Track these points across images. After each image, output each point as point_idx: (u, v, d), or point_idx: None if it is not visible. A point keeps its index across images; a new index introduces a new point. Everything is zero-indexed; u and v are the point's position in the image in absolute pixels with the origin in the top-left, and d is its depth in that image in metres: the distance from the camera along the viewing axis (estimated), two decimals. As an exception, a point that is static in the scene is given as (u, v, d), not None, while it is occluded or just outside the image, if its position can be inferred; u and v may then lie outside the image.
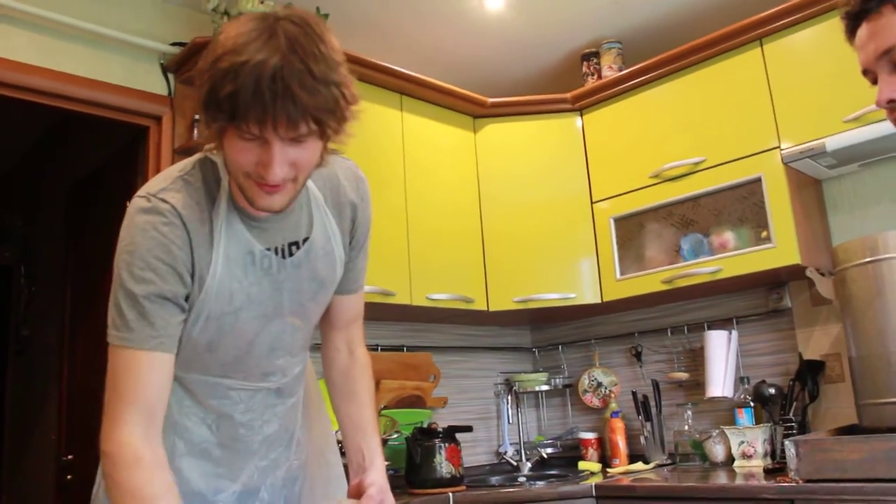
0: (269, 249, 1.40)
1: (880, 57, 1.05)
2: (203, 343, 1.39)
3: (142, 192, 1.37)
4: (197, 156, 1.41)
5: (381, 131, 2.98)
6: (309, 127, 1.18)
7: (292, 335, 1.51)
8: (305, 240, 1.44)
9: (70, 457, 3.36)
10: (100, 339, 3.20)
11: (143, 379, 1.29)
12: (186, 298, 1.34)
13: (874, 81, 1.08)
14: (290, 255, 1.42)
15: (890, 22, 1.03)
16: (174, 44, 2.87)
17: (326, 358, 1.67)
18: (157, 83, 2.85)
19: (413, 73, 3.05)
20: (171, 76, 2.88)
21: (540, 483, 2.84)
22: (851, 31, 1.10)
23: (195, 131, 2.85)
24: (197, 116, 2.80)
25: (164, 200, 1.33)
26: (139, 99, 2.79)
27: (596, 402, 3.51)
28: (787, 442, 2.23)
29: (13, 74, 2.53)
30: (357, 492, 1.46)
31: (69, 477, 3.34)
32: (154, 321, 1.29)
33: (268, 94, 1.12)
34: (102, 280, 3.20)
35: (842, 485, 2.05)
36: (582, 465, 3.21)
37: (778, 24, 2.72)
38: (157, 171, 2.80)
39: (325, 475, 1.71)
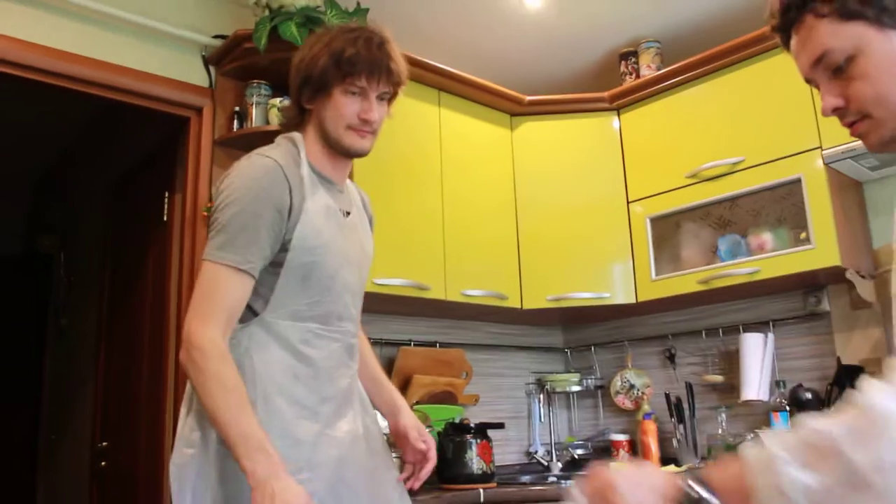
0: (338, 209, 1.77)
1: (814, 66, 1.04)
2: (299, 273, 1.66)
3: (243, 158, 1.71)
4: (277, 138, 1.80)
5: (419, 127, 3.00)
6: (392, 88, 1.74)
7: (356, 288, 1.81)
8: (348, 213, 1.82)
9: (105, 444, 3.41)
10: (136, 328, 3.26)
11: (231, 293, 1.59)
12: (282, 234, 1.64)
13: (819, 88, 1.06)
14: (347, 216, 1.81)
15: (814, 30, 1.01)
16: (216, 36, 2.91)
17: None
18: (198, 75, 2.89)
19: (451, 70, 3.06)
20: (212, 68, 2.92)
21: (570, 482, 2.82)
22: (785, 44, 1.09)
23: (235, 123, 2.88)
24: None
25: (265, 156, 1.68)
26: (181, 90, 2.83)
27: (628, 404, 3.48)
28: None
29: (59, 63, 2.57)
30: (395, 431, 1.85)
31: (103, 464, 3.39)
32: (251, 248, 1.59)
33: (378, 56, 1.68)
34: (141, 271, 3.27)
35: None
36: (613, 466, 3.18)
37: (822, 23, 2.68)
38: (197, 162, 2.84)
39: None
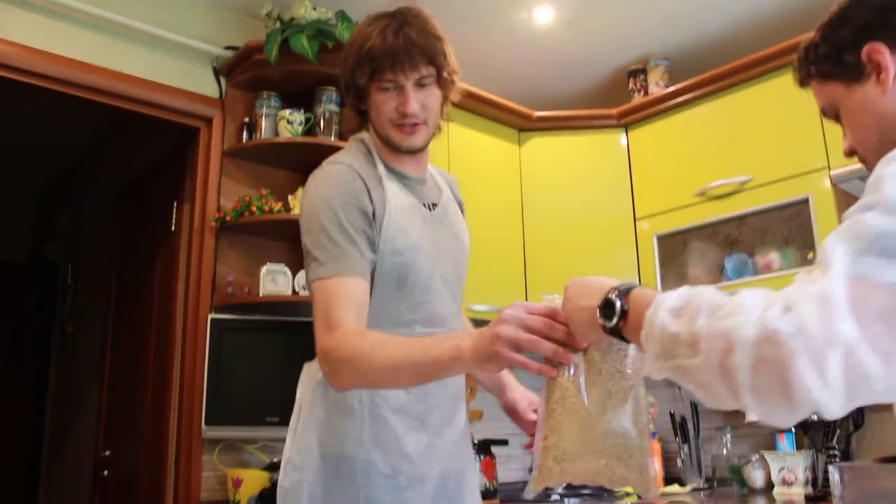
0: (420, 204, 1.70)
1: (824, 114, 1.22)
2: (393, 278, 1.60)
3: (317, 169, 1.67)
4: (349, 139, 1.76)
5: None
6: (427, 69, 1.59)
7: (453, 282, 1.74)
8: (434, 205, 1.74)
9: (108, 453, 3.40)
10: (142, 337, 3.26)
11: (347, 296, 1.50)
12: (373, 235, 1.58)
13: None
14: (433, 209, 1.73)
15: (813, 88, 1.21)
16: (227, 47, 2.92)
17: None
18: (209, 86, 2.91)
19: (461, 84, 3.05)
20: (222, 79, 2.93)
21: (574, 500, 2.81)
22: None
23: (244, 134, 2.89)
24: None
25: (337, 162, 1.64)
26: (191, 100, 2.85)
27: (632, 422, 3.46)
28: (831, 467, 2.18)
29: (70, 71, 2.60)
30: (506, 406, 1.77)
31: (106, 472, 3.38)
32: (351, 253, 1.53)
33: (394, 43, 1.55)
34: (148, 279, 3.27)
35: (888, 514, 2.00)
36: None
37: (831, 43, 2.68)
38: (206, 172, 2.85)
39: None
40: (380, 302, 1.59)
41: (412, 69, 1.58)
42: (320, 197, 1.58)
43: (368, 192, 1.60)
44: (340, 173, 1.61)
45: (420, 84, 1.60)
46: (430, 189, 1.77)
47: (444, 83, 1.65)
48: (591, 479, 1.14)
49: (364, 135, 1.73)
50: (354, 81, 1.62)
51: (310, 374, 1.70)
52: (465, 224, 1.86)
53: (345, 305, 1.48)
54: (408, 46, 1.56)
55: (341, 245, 1.53)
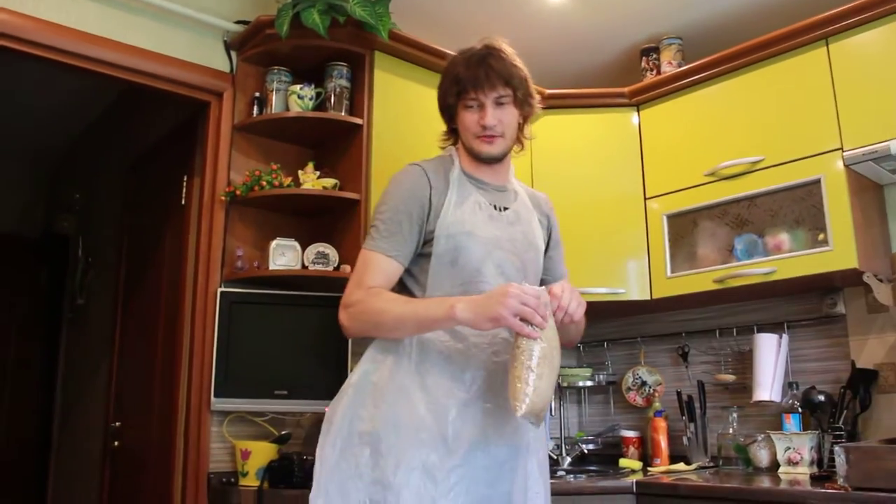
0: (490, 204, 1.98)
1: None
2: (446, 258, 1.89)
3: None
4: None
5: (439, 117, 2.98)
6: (504, 90, 1.92)
7: (512, 272, 1.94)
8: (506, 208, 2.01)
9: (118, 424, 3.44)
10: (152, 310, 3.28)
11: (380, 271, 1.87)
12: (425, 226, 1.90)
13: None
14: (504, 211, 2.00)
15: None
16: (238, 21, 2.92)
17: None
18: (220, 60, 2.91)
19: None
20: (233, 53, 2.93)
21: (580, 477, 2.83)
22: None
23: (255, 109, 2.89)
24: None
25: (414, 164, 1.98)
26: (202, 74, 2.85)
27: (639, 401, 3.48)
28: (836, 448, 2.18)
29: (81, 44, 2.60)
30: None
31: (116, 444, 3.42)
32: (397, 238, 1.88)
33: (478, 69, 1.90)
34: (158, 253, 3.29)
35: (894, 495, 2.00)
36: (623, 462, 3.18)
37: (845, 22, 2.66)
38: (216, 147, 2.86)
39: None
40: (436, 278, 1.89)
41: (490, 89, 1.91)
42: (391, 188, 1.95)
43: (431, 188, 1.92)
44: (411, 172, 1.95)
45: (498, 102, 1.93)
46: (507, 196, 2.05)
47: (520, 103, 1.97)
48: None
49: (451, 148, 2.08)
50: (446, 102, 1.99)
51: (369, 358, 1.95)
52: (540, 232, 2.10)
53: (376, 275, 1.85)
54: (487, 71, 1.90)
55: (392, 229, 1.87)
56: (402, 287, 1.95)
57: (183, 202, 3.07)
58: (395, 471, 1.74)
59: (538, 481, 1.95)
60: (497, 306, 1.64)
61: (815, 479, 2.50)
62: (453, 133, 2.07)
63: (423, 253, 1.92)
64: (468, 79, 1.91)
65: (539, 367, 1.65)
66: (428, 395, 1.82)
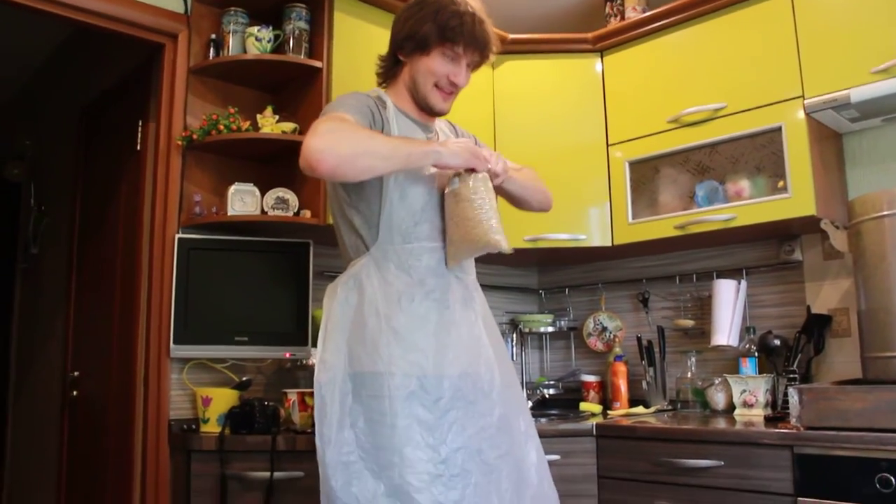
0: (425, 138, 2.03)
1: None
2: (396, 193, 1.90)
3: None
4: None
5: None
6: (482, 58, 2.01)
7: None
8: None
9: (76, 373, 3.40)
10: (108, 257, 3.22)
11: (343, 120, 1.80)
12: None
13: None
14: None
15: None
16: (192, -40, 2.82)
17: None
18: (174, 0, 2.81)
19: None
20: (188, -7, 2.84)
21: (541, 420, 2.86)
22: None
23: (211, 51, 2.81)
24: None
25: (356, 92, 1.99)
26: (156, 15, 2.76)
27: (600, 346, 3.52)
28: (790, 389, 2.24)
29: (28, -18, 2.49)
30: None
31: (75, 393, 3.38)
32: (353, 113, 1.85)
33: (477, 32, 1.95)
34: (113, 200, 3.22)
35: (844, 433, 2.06)
36: (583, 406, 3.23)
37: (810, -32, 2.65)
38: (172, 91, 2.79)
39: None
40: (388, 218, 1.90)
41: (477, 55, 1.98)
42: (337, 100, 1.94)
43: (376, 106, 1.94)
44: (355, 93, 1.97)
45: (469, 66, 2.01)
46: (434, 132, 2.10)
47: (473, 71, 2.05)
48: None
49: (378, 90, 2.07)
50: (424, 38, 1.94)
51: (330, 295, 1.96)
52: None
53: (335, 123, 1.77)
54: (486, 38, 1.97)
55: (344, 109, 1.85)
56: (343, 218, 1.98)
57: (138, 147, 2.99)
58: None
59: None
60: (472, 153, 1.85)
61: (769, 419, 2.56)
62: (395, 66, 2.06)
63: (370, 192, 1.92)
64: (468, 35, 1.93)
65: (491, 201, 1.88)
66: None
